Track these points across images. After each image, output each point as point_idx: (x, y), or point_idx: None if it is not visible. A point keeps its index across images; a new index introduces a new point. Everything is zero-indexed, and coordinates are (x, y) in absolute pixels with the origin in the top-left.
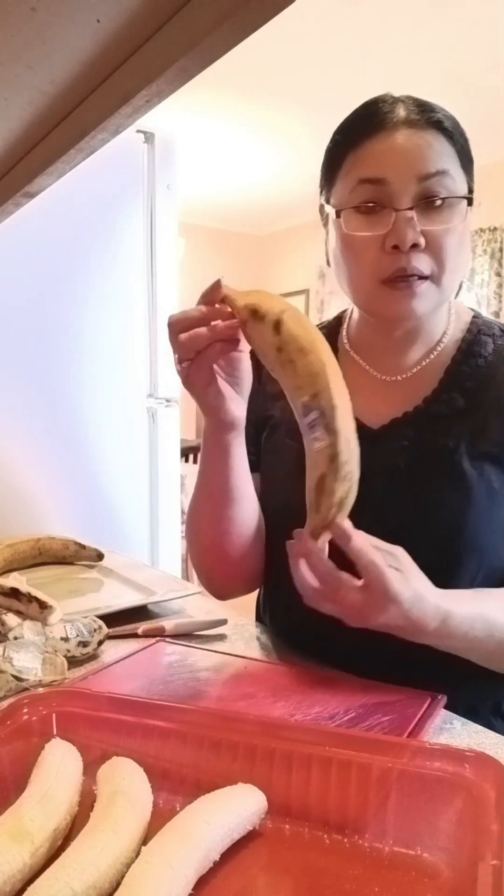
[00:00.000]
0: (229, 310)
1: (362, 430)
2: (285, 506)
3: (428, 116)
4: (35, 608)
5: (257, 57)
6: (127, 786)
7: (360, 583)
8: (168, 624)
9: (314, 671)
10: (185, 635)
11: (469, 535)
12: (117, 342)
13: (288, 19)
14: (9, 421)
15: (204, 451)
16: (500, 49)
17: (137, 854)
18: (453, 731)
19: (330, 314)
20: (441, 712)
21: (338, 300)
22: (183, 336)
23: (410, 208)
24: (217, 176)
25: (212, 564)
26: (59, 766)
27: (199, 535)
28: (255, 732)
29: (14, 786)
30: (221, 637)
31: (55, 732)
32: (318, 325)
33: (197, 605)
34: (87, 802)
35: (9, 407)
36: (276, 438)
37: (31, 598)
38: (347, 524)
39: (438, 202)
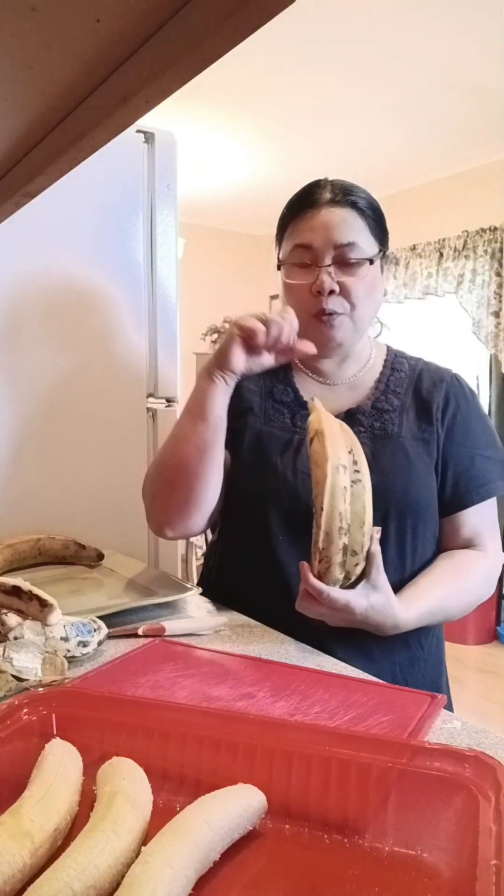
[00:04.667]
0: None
1: None
2: (258, 483)
3: (346, 198)
4: (35, 606)
5: (258, 58)
6: (127, 786)
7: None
8: (168, 624)
9: (314, 671)
10: (185, 635)
11: (412, 495)
12: (117, 342)
13: (286, 20)
14: (9, 421)
15: (194, 406)
16: (500, 49)
17: (137, 854)
18: (453, 731)
19: None
20: (441, 712)
21: None
22: (283, 323)
23: (328, 266)
24: (217, 176)
25: (168, 515)
26: (59, 766)
27: (161, 487)
28: (255, 732)
29: (14, 786)
30: (221, 637)
31: (55, 732)
32: None
33: (197, 605)
34: (87, 802)
35: (8, 406)
36: (254, 425)
37: (31, 596)
38: (321, 586)
39: (351, 261)
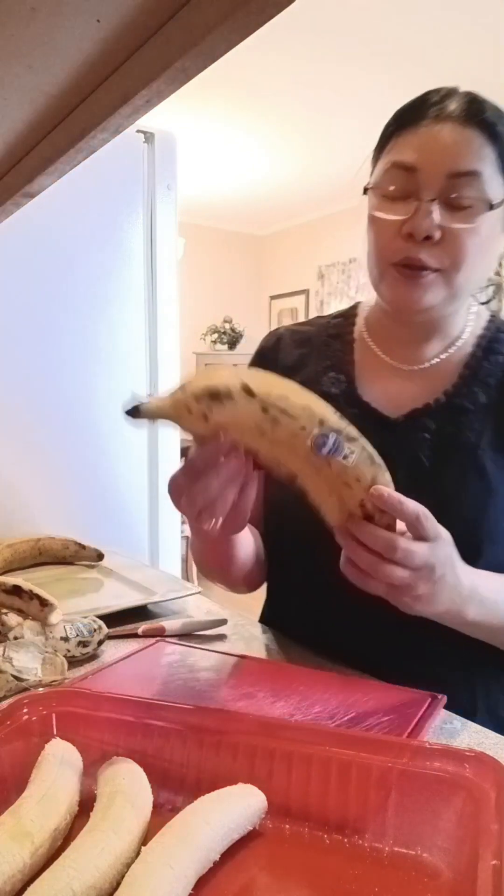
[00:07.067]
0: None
1: (381, 420)
2: (293, 508)
3: (475, 114)
4: (36, 606)
5: (258, 57)
6: (127, 786)
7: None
8: (168, 624)
9: (314, 671)
10: (185, 635)
11: (489, 528)
12: (117, 342)
13: (287, 21)
14: (9, 421)
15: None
16: (501, 49)
17: (137, 854)
18: (453, 731)
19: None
20: (441, 712)
21: (336, 300)
22: (196, 492)
23: (432, 200)
24: (217, 176)
25: (219, 581)
26: (59, 766)
27: (205, 564)
28: (255, 732)
29: (14, 786)
30: (221, 637)
31: (55, 732)
32: (332, 315)
33: (197, 605)
34: (87, 802)
35: (9, 407)
36: None
37: (32, 596)
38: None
39: (466, 201)
